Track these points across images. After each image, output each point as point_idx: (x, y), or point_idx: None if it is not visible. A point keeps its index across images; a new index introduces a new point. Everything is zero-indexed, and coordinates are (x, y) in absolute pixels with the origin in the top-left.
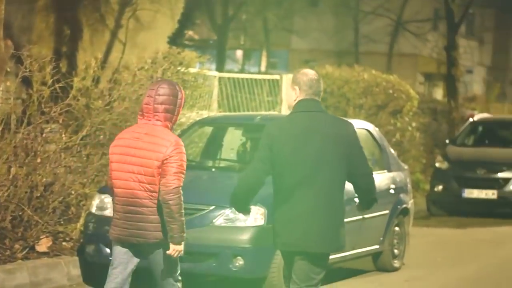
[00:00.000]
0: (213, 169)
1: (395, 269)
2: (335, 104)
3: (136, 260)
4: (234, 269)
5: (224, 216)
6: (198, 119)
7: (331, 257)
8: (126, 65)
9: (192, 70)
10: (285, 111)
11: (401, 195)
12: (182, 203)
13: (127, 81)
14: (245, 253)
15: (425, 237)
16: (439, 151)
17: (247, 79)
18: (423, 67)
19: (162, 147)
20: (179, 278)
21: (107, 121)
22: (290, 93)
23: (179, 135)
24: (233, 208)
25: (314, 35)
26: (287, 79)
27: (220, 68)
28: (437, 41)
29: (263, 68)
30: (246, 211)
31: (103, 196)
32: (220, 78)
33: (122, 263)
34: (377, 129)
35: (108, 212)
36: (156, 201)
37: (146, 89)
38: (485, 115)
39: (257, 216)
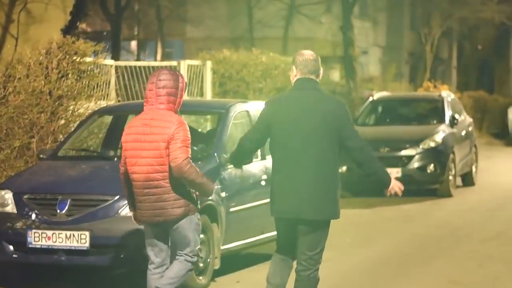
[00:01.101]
0: (115, 159)
1: None
2: (234, 88)
3: (167, 237)
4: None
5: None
6: (97, 109)
7: (239, 242)
8: (20, 59)
9: (87, 59)
10: (185, 97)
11: None
12: (196, 169)
13: (21, 74)
14: None
15: None
16: None
17: (144, 67)
18: (318, 50)
19: (166, 129)
20: (199, 252)
21: (3, 115)
22: (291, 72)
23: (78, 126)
24: None
25: (208, 23)
26: (184, 65)
27: (115, 59)
28: (331, 23)
29: (158, 59)
30: (240, 167)
31: (3, 192)
32: (116, 67)
33: (156, 244)
34: None
35: (9, 208)
36: (168, 181)
37: (40, 80)
38: (384, 93)
39: None
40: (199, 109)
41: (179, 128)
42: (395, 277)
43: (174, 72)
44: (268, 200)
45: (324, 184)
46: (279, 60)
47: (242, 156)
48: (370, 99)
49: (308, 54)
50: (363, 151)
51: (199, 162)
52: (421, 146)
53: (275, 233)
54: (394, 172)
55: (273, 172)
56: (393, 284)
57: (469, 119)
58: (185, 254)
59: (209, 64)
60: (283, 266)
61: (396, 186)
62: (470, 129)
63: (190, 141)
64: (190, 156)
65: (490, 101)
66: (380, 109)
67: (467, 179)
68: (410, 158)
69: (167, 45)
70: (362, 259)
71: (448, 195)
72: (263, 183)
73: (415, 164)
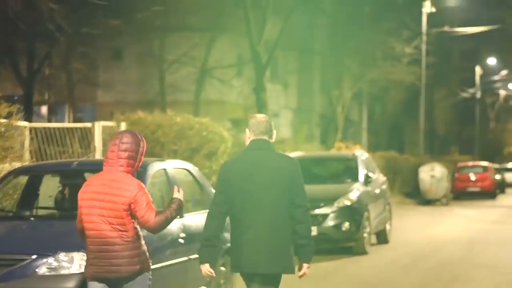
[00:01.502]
0: (32, 218)
1: None
2: (149, 149)
3: None
4: None
5: (47, 265)
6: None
7: None
8: None
9: (1, 120)
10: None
11: (225, 234)
12: (165, 215)
13: None
14: None
15: None
16: None
17: (58, 128)
18: (230, 113)
19: (126, 191)
20: None
21: None
22: (245, 135)
23: None
24: (56, 256)
25: (120, 87)
26: (99, 127)
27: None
28: (242, 86)
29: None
30: (214, 262)
31: None
32: (31, 129)
33: None
34: (196, 168)
35: None
36: (127, 239)
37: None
38: (298, 153)
39: (81, 262)
40: None
41: (140, 193)
42: None
43: (136, 135)
44: (186, 258)
45: (279, 239)
46: (193, 121)
47: (214, 229)
48: None
49: (260, 116)
50: (306, 212)
51: None
52: (335, 205)
53: None
54: None
55: (231, 230)
56: None
57: (383, 177)
58: None
59: (123, 125)
60: None
61: (308, 269)
62: (384, 187)
63: (152, 201)
64: (155, 211)
65: (401, 161)
66: None
67: (382, 237)
68: (325, 216)
69: (78, 109)
70: None
71: (363, 252)
72: (181, 240)
73: (330, 222)
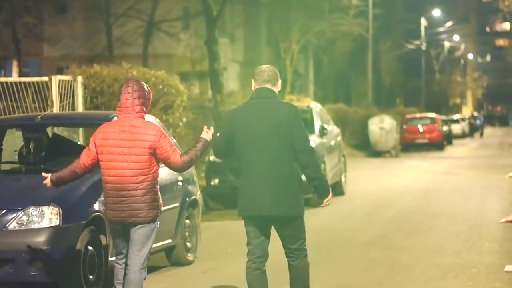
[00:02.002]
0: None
1: (189, 263)
2: (106, 103)
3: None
4: (33, 273)
5: (17, 220)
6: None
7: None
8: None
9: None
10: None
11: (189, 187)
12: (190, 155)
13: None
14: (43, 255)
15: (210, 230)
16: None
17: (14, 82)
18: (178, 67)
19: (150, 136)
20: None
21: None
22: (252, 86)
23: None
24: (26, 210)
25: (66, 42)
26: (56, 81)
27: None
28: (189, 40)
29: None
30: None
31: None
32: None
33: (125, 240)
34: (158, 120)
35: None
36: (148, 183)
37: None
38: None
39: (52, 216)
40: (82, 121)
41: (162, 136)
42: (282, 284)
43: (142, 83)
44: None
45: (282, 183)
46: (149, 74)
47: (225, 153)
48: None
49: (264, 66)
50: (310, 155)
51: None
52: None
53: (160, 243)
54: None
55: (240, 175)
56: None
57: (337, 129)
58: (140, 261)
59: (80, 79)
60: (259, 278)
61: (331, 199)
62: (338, 138)
63: (174, 142)
64: (179, 152)
65: (350, 113)
66: None
67: (337, 188)
68: None
69: (24, 64)
70: (244, 268)
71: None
72: None
73: None
